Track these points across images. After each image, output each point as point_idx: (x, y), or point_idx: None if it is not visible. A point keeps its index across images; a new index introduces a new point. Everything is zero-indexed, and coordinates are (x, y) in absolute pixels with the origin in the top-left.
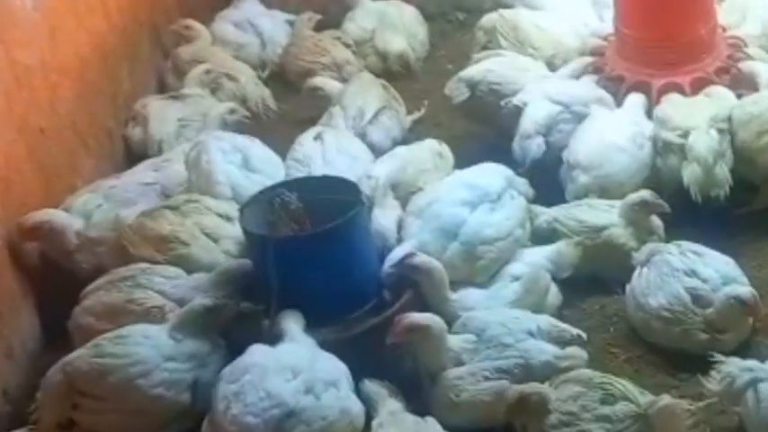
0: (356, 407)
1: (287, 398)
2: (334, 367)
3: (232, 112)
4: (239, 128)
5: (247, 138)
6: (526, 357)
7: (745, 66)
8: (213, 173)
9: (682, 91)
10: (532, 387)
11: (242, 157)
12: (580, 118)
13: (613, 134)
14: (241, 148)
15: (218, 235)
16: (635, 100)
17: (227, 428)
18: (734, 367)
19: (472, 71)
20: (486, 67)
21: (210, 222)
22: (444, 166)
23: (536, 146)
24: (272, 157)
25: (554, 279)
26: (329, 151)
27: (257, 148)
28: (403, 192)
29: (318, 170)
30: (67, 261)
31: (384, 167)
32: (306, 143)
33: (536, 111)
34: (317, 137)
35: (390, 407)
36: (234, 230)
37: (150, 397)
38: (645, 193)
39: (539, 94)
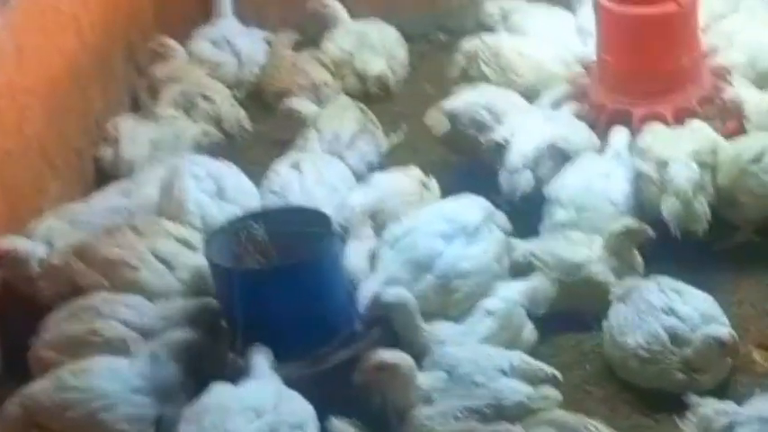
0: None
1: None
2: (300, 409)
3: (205, 134)
4: (213, 149)
5: (224, 164)
6: (498, 398)
7: (729, 93)
8: (184, 201)
9: (664, 120)
10: (504, 428)
11: (216, 186)
12: (567, 154)
13: (605, 184)
14: (216, 175)
15: (175, 262)
16: (621, 141)
17: None
18: (710, 410)
19: (455, 103)
20: (469, 100)
21: (165, 247)
22: (430, 198)
23: (525, 180)
24: (247, 187)
25: (529, 315)
26: (307, 181)
27: (233, 177)
28: (382, 221)
29: (296, 201)
30: (30, 288)
31: (361, 197)
32: (282, 172)
33: (524, 145)
34: (295, 165)
35: None
36: (193, 258)
37: None
38: (627, 221)
39: (529, 131)
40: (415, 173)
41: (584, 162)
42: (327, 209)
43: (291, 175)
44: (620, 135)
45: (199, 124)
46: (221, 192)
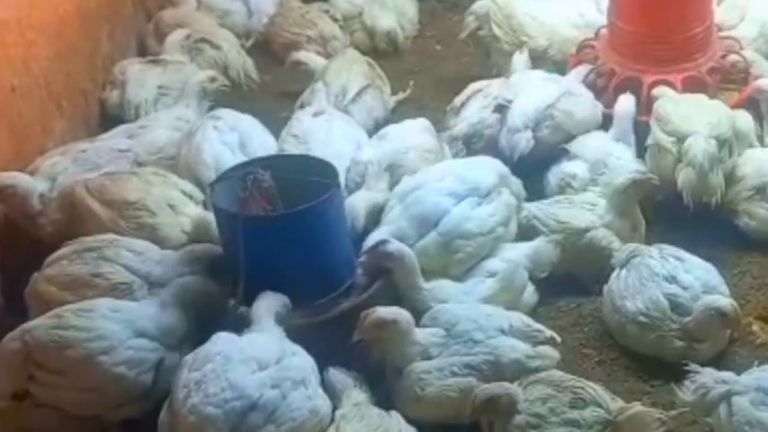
0: (324, 405)
1: (250, 390)
2: (302, 363)
3: (212, 80)
4: (218, 97)
5: (249, 119)
6: (496, 354)
7: (734, 59)
8: (202, 151)
9: (673, 89)
10: (502, 387)
11: (239, 139)
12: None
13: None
14: (240, 129)
15: (179, 211)
16: (627, 113)
17: (185, 417)
18: (708, 378)
19: (463, 127)
20: (474, 121)
21: (176, 196)
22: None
23: (525, 140)
24: (270, 143)
25: (530, 277)
26: (333, 131)
27: (257, 134)
28: (399, 176)
29: (319, 148)
30: (31, 225)
31: (373, 150)
32: (306, 121)
33: (526, 105)
34: (317, 114)
35: (355, 398)
36: (195, 211)
37: (111, 375)
38: (632, 174)
39: (533, 92)
40: (420, 121)
41: (600, 138)
42: (347, 161)
43: (316, 124)
44: (626, 106)
45: (205, 71)
46: (243, 146)
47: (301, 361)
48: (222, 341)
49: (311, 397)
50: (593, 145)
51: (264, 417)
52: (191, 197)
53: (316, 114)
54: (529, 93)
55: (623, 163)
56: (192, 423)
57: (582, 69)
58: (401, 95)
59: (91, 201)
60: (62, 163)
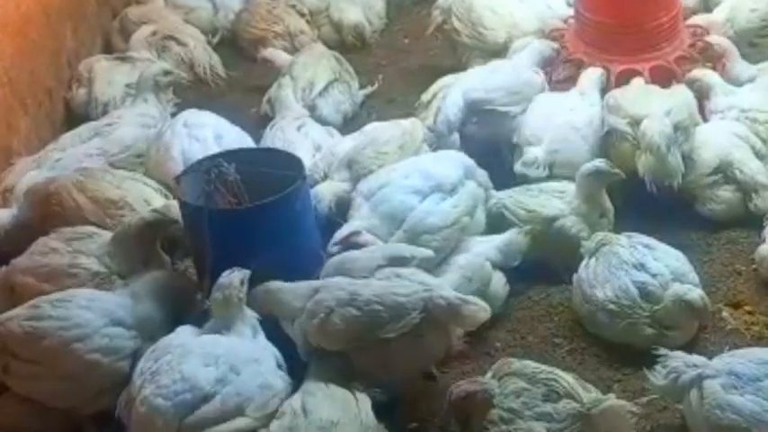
0: (279, 383)
1: (202, 382)
2: (260, 348)
3: (165, 73)
4: (185, 92)
5: (224, 121)
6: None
7: (715, 39)
8: (170, 147)
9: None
10: (477, 383)
11: (214, 135)
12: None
13: (568, 115)
14: (216, 128)
15: (153, 205)
16: (592, 77)
17: (137, 408)
18: (679, 362)
19: (442, 117)
20: (454, 109)
21: (148, 191)
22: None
23: (451, 144)
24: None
25: (502, 268)
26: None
27: (233, 132)
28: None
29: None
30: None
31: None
32: (289, 132)
33: (447, 108)
34: (300, 128)
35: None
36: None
37: (85, 362)
38: (599, 162)
39: (455, 92)
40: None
41: (541, 100)
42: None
43: (297, 136)
44: (591, 72)
45: (158, 63)
46: (219, 141)
47: (259, 345)
48: (184, 334)
49: (263, 373)
50: (539, 117)
51: (215, 408)
52: (163, 194)
53: (299, 128)
54: (452, 93)
55: (578, 117)
56: (142, 413)
57: (538, 45)
58: (369, 90)
59: (77, 194)
60: (38, 177)
